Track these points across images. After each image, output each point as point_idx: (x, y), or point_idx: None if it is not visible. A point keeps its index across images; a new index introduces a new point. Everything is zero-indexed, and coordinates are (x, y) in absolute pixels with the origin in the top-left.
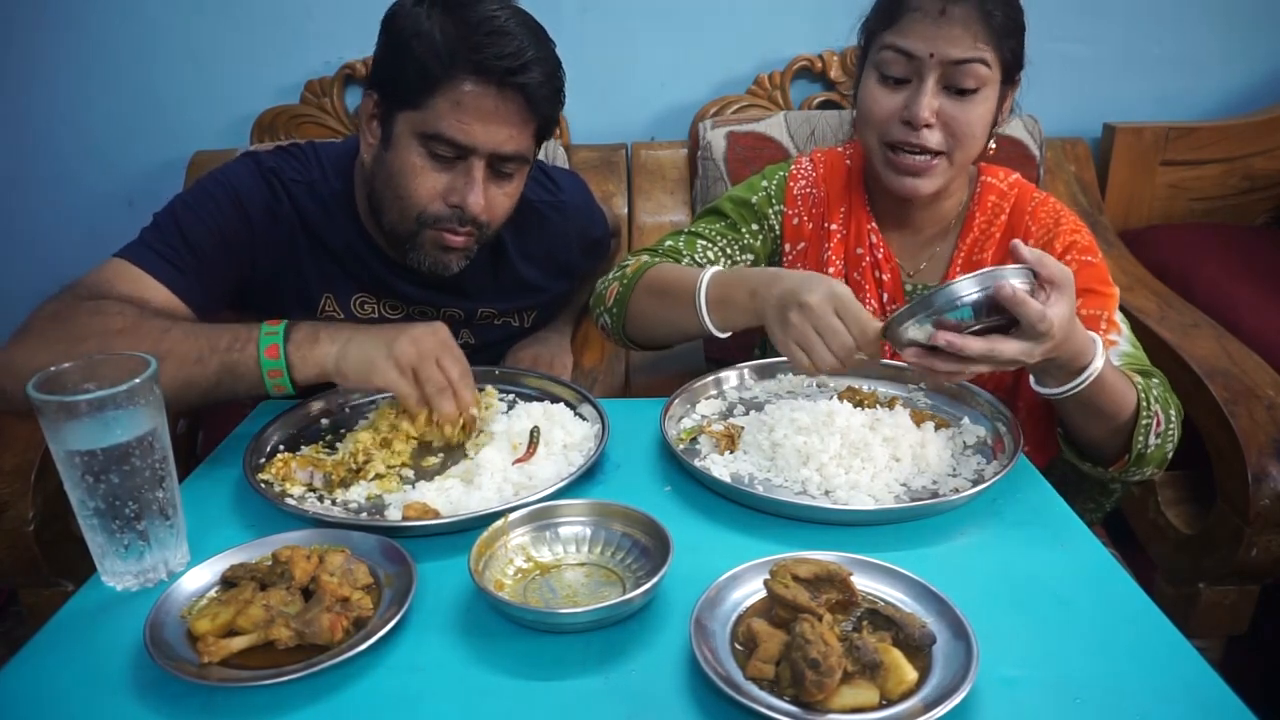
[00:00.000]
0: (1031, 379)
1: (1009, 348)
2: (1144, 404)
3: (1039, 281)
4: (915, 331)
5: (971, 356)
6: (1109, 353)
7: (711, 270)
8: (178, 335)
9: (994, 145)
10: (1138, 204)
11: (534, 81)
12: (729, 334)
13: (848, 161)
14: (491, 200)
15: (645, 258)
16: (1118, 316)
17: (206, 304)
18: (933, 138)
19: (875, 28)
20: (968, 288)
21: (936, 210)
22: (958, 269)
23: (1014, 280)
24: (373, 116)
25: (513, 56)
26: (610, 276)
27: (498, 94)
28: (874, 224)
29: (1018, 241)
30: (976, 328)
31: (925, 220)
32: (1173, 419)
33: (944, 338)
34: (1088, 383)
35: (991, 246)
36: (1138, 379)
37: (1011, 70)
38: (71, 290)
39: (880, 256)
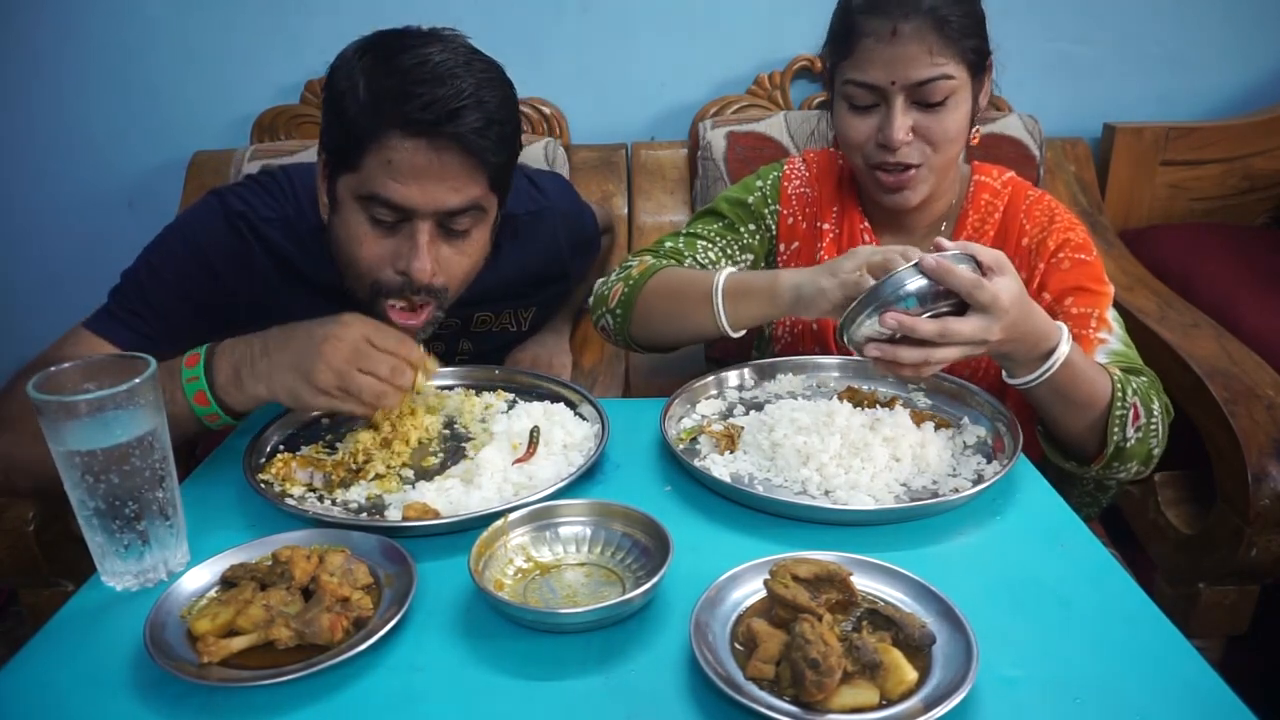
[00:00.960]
0: (1004, 373)
1: (964, 326)
2: (1119, 394)
3: (980, 269)
4: (869, 325)
5: (928, 338)
6: (1097, 350)
7: (728, 270)
8: None
9: (978, 134)
10: (1138, 204)
11: (468, 129)
12: (741, 333)
13: (840, 161)
14: (445, 263)
15: (649, 259)
16: (1110, 315)
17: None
18: (912, 153)
19: (834, 59)
20: (909, 274)
21: (928, 210)
22: None
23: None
24: (324, 178)
25: (442, 103)
26: (613, 278)
27: (430, 147)
28: (867, 223)
29: (941, 239)
30: (928, 314)
31: (917, 220)
32: (1155, 414)
33: (892, 318)
34: (1055, 367)
35: (985, 244)
36: (1115, 371)
37: (978, 66)
38: (26, 371)
39: None
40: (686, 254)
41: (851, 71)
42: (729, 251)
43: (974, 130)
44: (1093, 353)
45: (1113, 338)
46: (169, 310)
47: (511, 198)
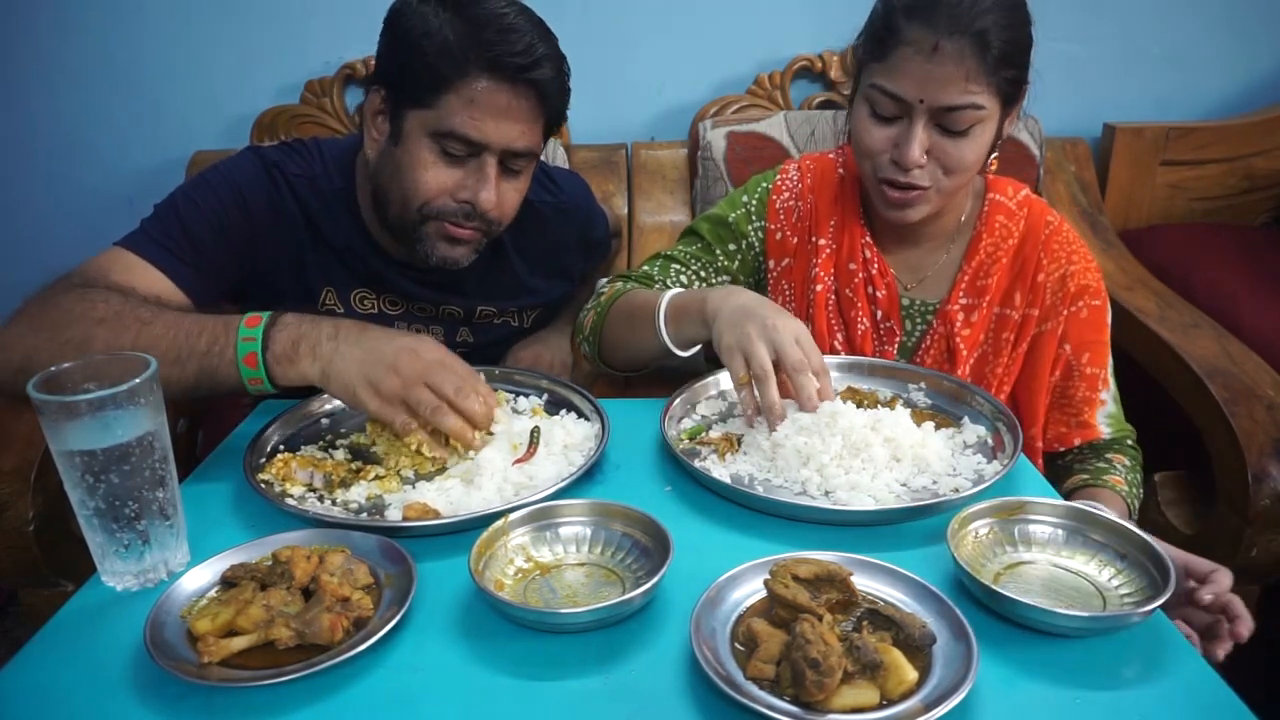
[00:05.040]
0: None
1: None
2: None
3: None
4: None
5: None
6: (1097, 412)
7: (673, 290)
8: (158, 330)
9: (996, 161)
10: (1138, 204)
11: (546, 77)
12: (690, 353)
13: (840, 170)
14: (502, 196)
15: (619, 284)
16: (1110, 372)
17: (204, 294)
18: (924, 176)
19: (866, 58)
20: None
21: (937, 224)
22: (961, 289)
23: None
24: (379, 113)
25: (524, 53)
26: (589, 305)
27: (511, 90)
28: (869, 237)
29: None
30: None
31: (925, 234)
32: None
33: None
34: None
35: (998, 271)
36: (1121, 487)
37: (1011, 97)
38: (67, 278)
39: (875, 272)
40: (659, 278)
41: (881, 77)
42: (703, 274)
43: (992, 157)
44: (1095, 415)
45: (1109, 399)
46: (203, 241)
47: (530, 189)
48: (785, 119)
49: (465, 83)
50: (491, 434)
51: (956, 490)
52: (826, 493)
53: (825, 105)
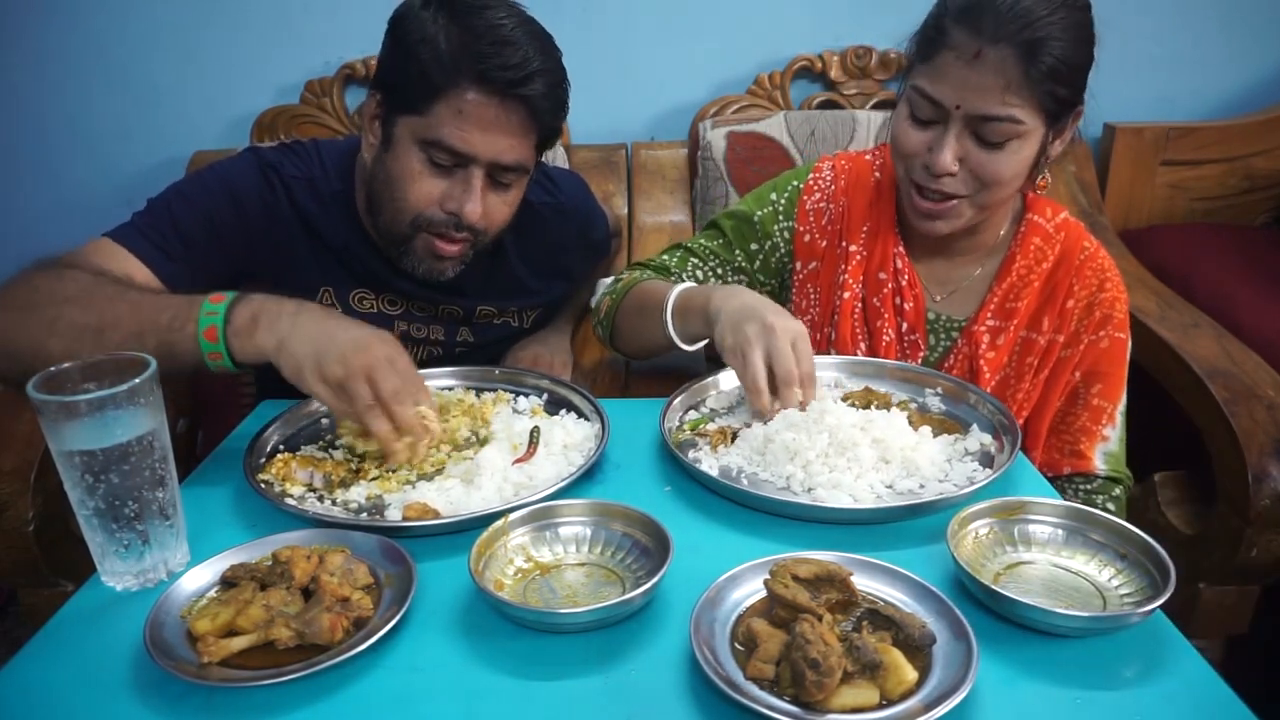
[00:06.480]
0: None
1: None
2: None
3: None
4: None
5: None
6: (1097, 448)
7: (682, 285)
8: (123, 306)
9: (1046, 180)
10: (1138, 204)
11: (537, 93)
12: (696, 346)
13: (876, 174)
14: (489, 208)
15: (637, 273)
16: (1120, 411)
17: (187, 289)
18: (956, 184)
19: (913, 57)
20: None
21: (972, 240)
22: (990, 311)
23: None
24: (375, 117)
25: (517, 67)
26: (605, 290)
27: (500, 104)
28: (901, 247)
29: None
30: None
31: (959, 247)
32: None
33: None
34: None
35: (1029, 295)
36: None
37: (1057, 115)
38: (44, 261)
39: (905, 283)
40: (676, 270)
41: (922, 79)
42: (719, 272)
43: (1041, 176)
44: (1093, 448)
45: (1113, 436)
46: (194, 239)
47: (529, 190)
48: (785, 119)
49: (455, 93)
50: (444, 448)
51: (942, 495)
52: (809, 489)
53: (825, 105)
